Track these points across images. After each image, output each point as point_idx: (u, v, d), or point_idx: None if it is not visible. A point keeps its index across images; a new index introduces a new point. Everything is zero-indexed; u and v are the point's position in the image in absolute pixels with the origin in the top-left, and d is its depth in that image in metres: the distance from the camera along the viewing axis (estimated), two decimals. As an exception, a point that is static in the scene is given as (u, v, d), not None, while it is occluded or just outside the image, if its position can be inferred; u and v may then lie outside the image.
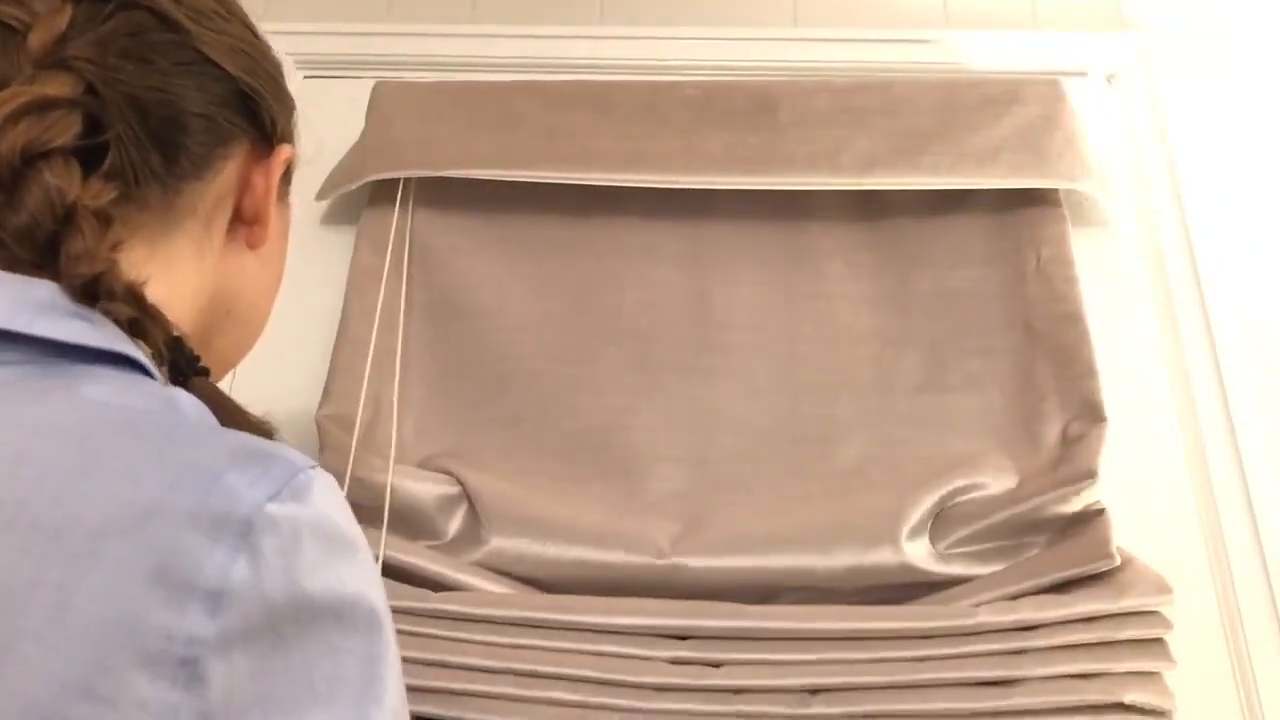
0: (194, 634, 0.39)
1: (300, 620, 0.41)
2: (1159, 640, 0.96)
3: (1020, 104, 1.22)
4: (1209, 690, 0.99)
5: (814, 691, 0.95)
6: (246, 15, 0.63)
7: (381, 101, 1.27)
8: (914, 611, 0.97)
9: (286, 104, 0.64)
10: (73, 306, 0.48)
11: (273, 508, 0.41)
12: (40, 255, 0.49)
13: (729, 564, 1.00)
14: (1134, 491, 1.05)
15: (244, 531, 0.40)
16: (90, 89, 0.52)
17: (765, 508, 1.05)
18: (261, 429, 0.51)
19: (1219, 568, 1.04)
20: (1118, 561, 0.97)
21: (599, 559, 1.01)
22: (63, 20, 0.52)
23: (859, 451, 1.09)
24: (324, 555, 0.43)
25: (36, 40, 0.51)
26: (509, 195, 1.23)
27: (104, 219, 0.50)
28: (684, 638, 0.98)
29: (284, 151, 0.63)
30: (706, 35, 1.36)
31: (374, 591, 0.45)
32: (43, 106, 0.50)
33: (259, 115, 0.60)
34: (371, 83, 1.29)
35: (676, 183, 1.19)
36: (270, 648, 0.40)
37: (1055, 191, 1.21)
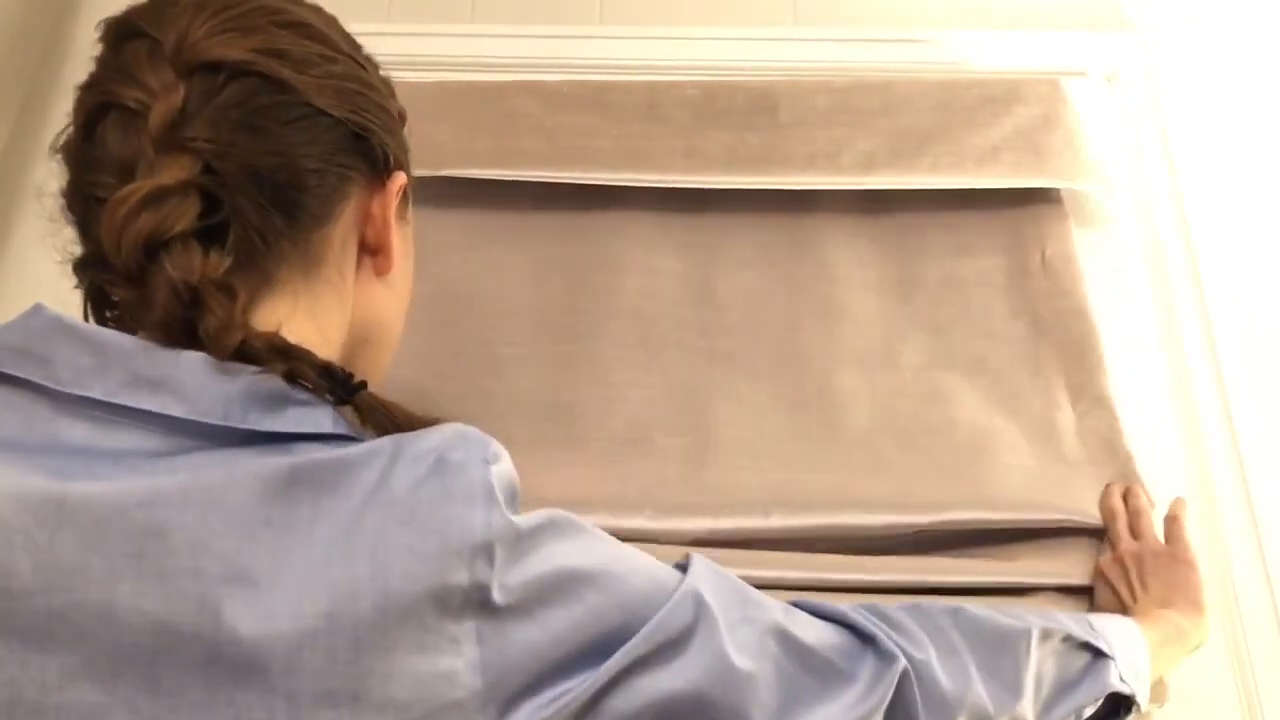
0: (483, 580, 0.49)
1: (535, 540, 0.52)
2: None
3: (1020, 104, 1.22)
4: (1207, 687, 0.99)
5: None
6: (350, 41, 0.64)
7: (381, 101, 1.27)
8: (908, 564, 0.97)
9: (396, 130, 0.66)
10: (292, 393, 0.53)
11: (494, 470, 0.52)
12: (179, 338, 0.53)
13: (730, 525, 1.00)
14: (1134, 491, 1.05)
15: (488, 493, 0.51)
16: (208, 167, 0.54)
17: (768, 473, 1.05)
18: (430, 424, 0.57)
19: (1219, 567, 1.04)
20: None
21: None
22: (178, 98, 0.53)
23: (865, 422, 1.08)
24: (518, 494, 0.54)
25: (155, 122, 0.53)
26: (509, 195, 1.23)
27: (227, 289, 0.53)
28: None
29: (398, 179, 0.65)
30: (706, 35, 1.36)
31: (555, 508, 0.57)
32: (159, 196, 0.52)
33: (371, 150, 0.62)
34: (371, 83, 1.29)
35: (676, 183, 1.19)
36: (528, 563, 0.51)
37: (1057, 191, 1.21)
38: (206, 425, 0.51)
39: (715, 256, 1.20)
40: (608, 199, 1.22)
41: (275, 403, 0.53)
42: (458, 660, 0.49)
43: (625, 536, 0.97)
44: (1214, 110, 1.28)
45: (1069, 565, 0.99)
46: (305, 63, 0.58)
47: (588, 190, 1.21)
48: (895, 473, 1.03)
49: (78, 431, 0.51)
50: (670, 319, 1.16)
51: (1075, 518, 1.00)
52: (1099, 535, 1.00)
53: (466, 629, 0.49)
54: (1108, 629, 0.80)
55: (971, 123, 1.21)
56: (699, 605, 0.57)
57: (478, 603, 0.49)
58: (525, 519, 0.52)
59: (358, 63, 0.63)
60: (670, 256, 1.20)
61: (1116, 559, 0.96)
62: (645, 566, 0.58)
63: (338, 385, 0.56)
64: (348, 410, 0.57)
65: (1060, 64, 1.32)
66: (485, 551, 0.50)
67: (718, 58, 1.35)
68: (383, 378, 0.69)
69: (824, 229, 1.22)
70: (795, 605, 0.66)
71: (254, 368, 0.53)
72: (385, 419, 0.56)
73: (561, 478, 1.04)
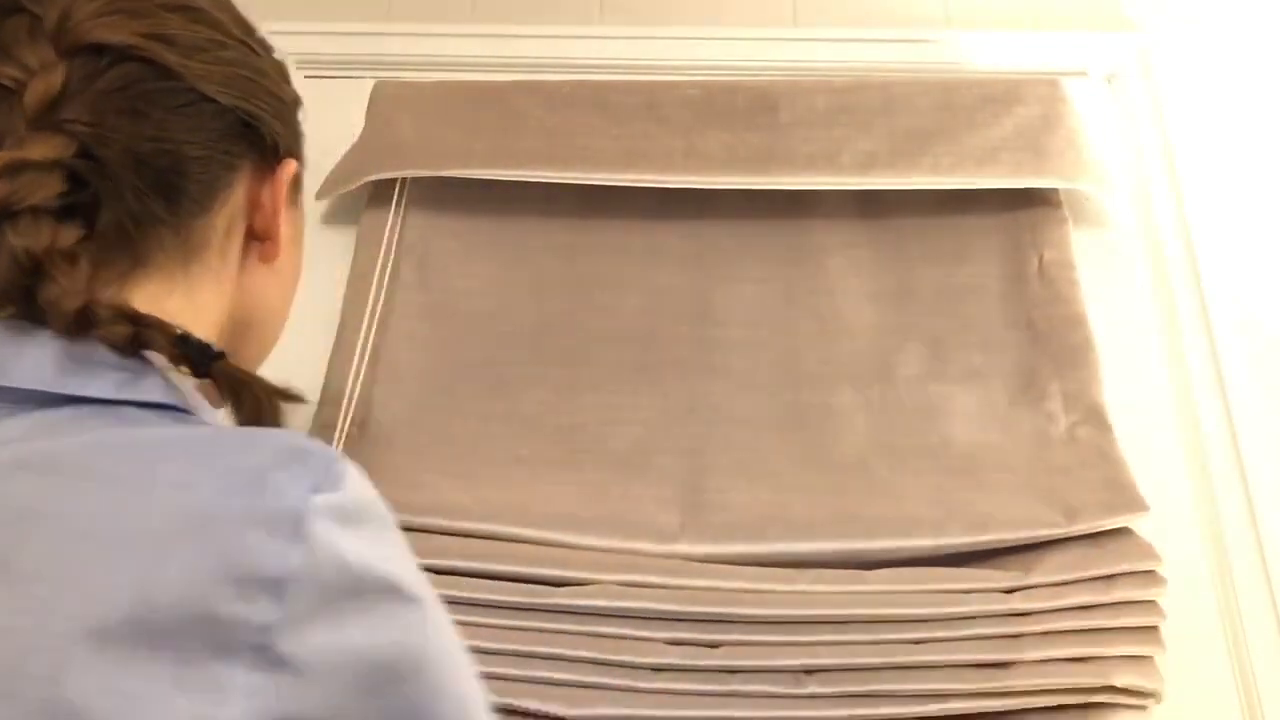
0: (265, 621, 0.43)
1: (354, 596, 0.46)
2: (1152, 627, 0.96)
3: (1020, 104, 1.22)
4: (1207, 688, 0.99)
5: (809, 671, 0.95)
6: (243, 25, 0.62)
7: (381, 101, 1.27)
8: (911, 599, 0.97)
9: (288, 117, 0.64)
10: (116, 359, 0.51)
11: (317, 499, 0.45)
12: (22, 308, 0.51)
13: (731, 550, 1.00)
14: (1134, 491, 1.05)
15: (296, 523, 0.44)
16: (83, 150, 0.52)
17: (766, 496, 1.05)
18: (287, 395, 0.55)
19: (1219, 568, 1.04)
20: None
21: (597, 545, 1.01)
22: (57, 79, 0.52)
23: (861, 441, 1.08)
24: (364, 537, 0.47)
25: (30, 100, 0.52)
26: (508, 195, 1.23)
27: (71, 258, 0.51)
28: (681, 619, 0.98)
29: (289, 167, 0.63)
30: (706, 35, 1.36)
31: (410, 566, 0.50)
32: (16, 168, 0.50)
33: (260, 138, 0.61)
34: (371, 83, 1.28)
35: (676, 183, 1.19)
36: (333, 623, 0.45)
37: (1056, 193, 1.21)
38: (19, 391, 0.49)
39: (714, 268, 1.20)
40: (607, 202, 1.22)
41: (94, 366, 0.50)
42: (219, 711, 0.42)
43: (628, 561, 0.99)
44: (1214, 110, 1.28)
45: (1055, 569, 0.98)
46: (193, 48, 0.56)
47: (588, 192, 1.21)
48: (891, 498, 1.03)
49: None
50: (669, 337, 1.16)
51: (1062, 531, 0.99)
52: (1085, 540, 1.00)
53: (239, 681, 0.43)
54: None
55: (971, 123, 1.21)
56: None
57: (256, 648, 0.43)
58: (361, 566, 0.46)
59: (250, 48, 0.61)
60: (670, 270, 1.20)
61: None
62: (465, 688, 0.54)
63: (194, 353, 0.54)
64: (211, 390, 0.55)
65: (1060, 64, 1.32)
66: (274, 588, 0.43)
67: (718, 58, 1.35)
68: (263, 360, 0.69)
69: (823, 234, 1.22)
70: None
71: (68, 335, 0.51)
72: (244, 390, 0.54)
73: (563, 499, 1.04)
